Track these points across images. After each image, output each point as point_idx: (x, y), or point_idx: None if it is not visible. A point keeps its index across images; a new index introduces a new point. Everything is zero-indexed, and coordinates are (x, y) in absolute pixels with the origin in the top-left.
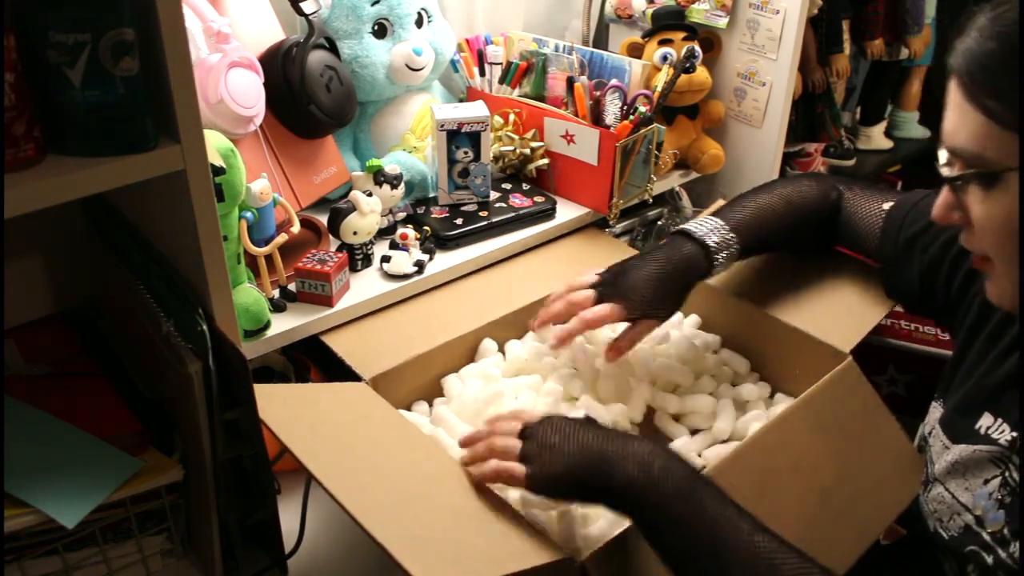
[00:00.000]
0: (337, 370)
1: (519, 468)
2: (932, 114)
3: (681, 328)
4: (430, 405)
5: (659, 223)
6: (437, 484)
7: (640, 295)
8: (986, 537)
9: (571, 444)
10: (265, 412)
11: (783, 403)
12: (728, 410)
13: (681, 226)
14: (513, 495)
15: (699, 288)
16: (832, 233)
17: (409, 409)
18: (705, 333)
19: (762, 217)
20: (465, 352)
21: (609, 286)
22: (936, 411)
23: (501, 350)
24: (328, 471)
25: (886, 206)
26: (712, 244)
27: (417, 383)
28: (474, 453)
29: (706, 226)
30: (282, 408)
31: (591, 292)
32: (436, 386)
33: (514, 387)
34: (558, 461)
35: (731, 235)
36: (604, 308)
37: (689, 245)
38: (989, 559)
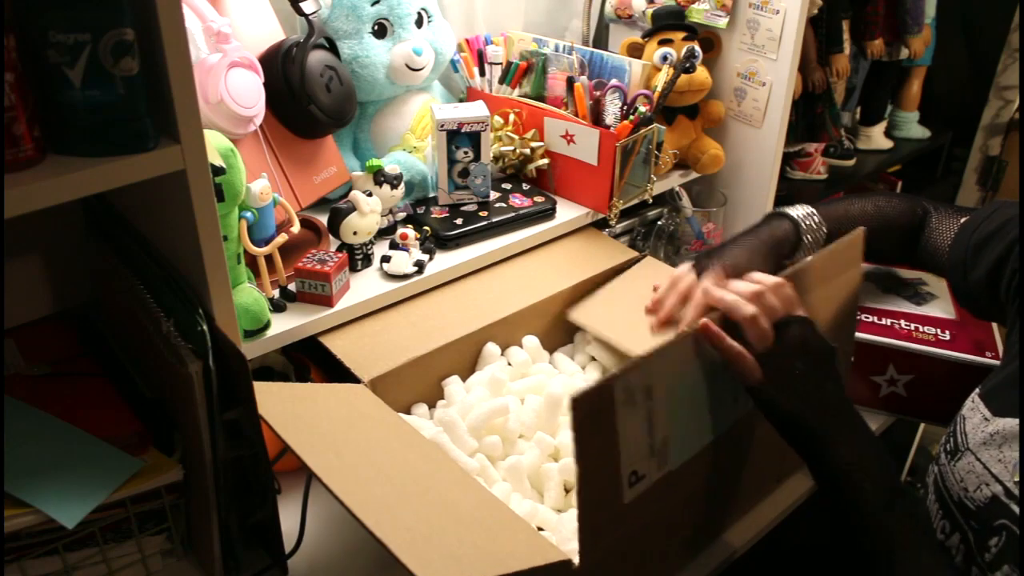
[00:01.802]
0: (337, 371)
1: (752, 362)
2: (932, 114)
3: None
4: (430, 408)
5: (659, 223)
6: (438, 484)
7: (735, 261)
8: (1015, 508)
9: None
10: (265, 409)
11: None
12: None
13: (782, 209)
14: (517, 502)
15: None
16: (913, 249)
17: (409, 412)
18: None
19: (851, 214)
20: (466, 354)
21: (705, 259)
22: (976, 393)
23: (503, 354)
24: (328, 468)
25: (963, 220)
26: (803, 224)
27: (417, 385)
28: (738, 290)
29: (801, 210)
30: (282, 406)
31: (690, 273)
32: (437, 389)
33: (520, 391)
34: (789, 394)
35: (820, 221)
36: (706, 279)
37: (783, 223)
38: (1018, 531)
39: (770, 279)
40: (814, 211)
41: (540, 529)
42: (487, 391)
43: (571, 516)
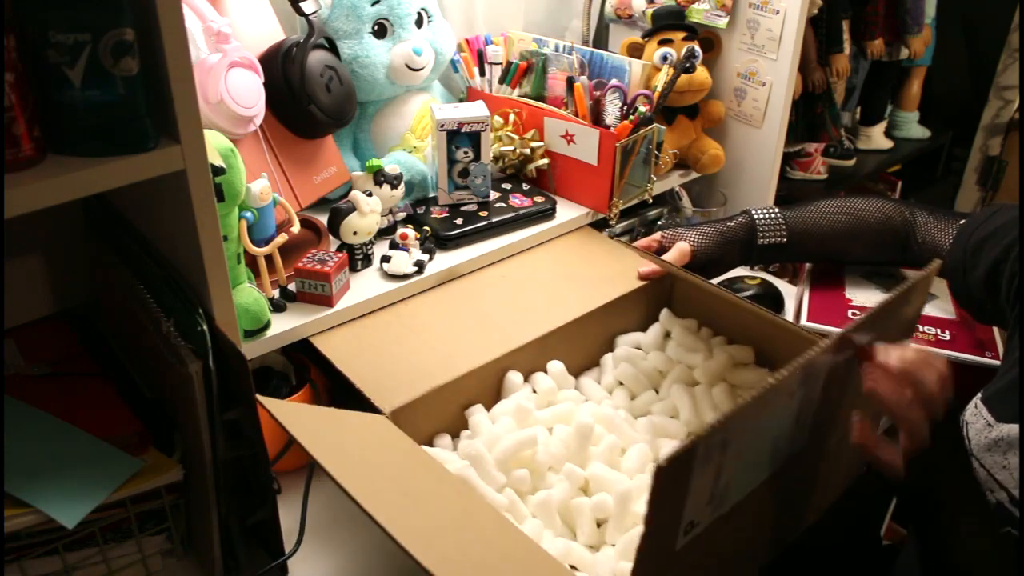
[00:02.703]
0: (337, 371)
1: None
2: (932, 114)
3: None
4: (453, 439)
5: (659, 223)
6: (472, 521)
7: (701, 245)
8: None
9: None
10: (300, 433)
11: None
12: None
13: (749, 208)
14: (548, 540)
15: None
16: (908, 254)
17: (431, 443)
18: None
19: (818, 211)
20: (488, 381)
21: (674, 232)
22: (978, 397)
23: (528, 380)
24: (370, 497)
25: (961, 222)
26: (759, 220)
27: (439, 415)
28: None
29: (763, 210)
30: (317, 430)
31: (653, 238)
32: (459, 418)
33: (548, 420)
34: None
35: (780, 219)
36: (675, 250)
37: (741, 216)
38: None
39: (923, 358)
40: (777, 209)
41: (574, 568)
42: (513, 422)
43: (606, 555)
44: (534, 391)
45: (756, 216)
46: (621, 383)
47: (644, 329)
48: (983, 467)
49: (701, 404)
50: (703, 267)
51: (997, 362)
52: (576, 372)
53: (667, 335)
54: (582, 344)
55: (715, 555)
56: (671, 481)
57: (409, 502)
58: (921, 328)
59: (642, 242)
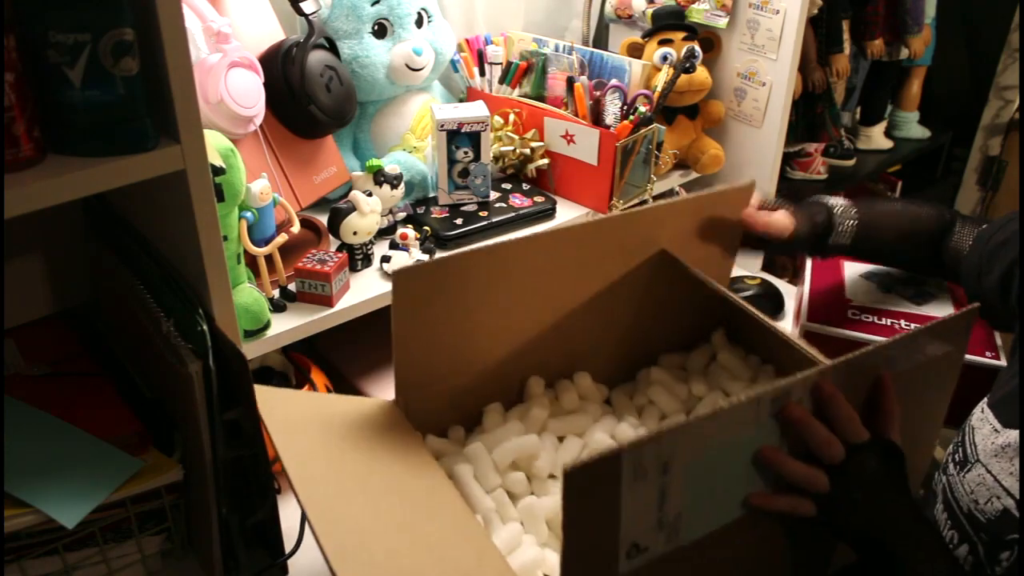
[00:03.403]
0: (337, 371)
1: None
2: (932, 114)
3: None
4: (468, 432)
5: None
6: (430, 523)
7: (798, 218)
8: None
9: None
10: (269, 415)
11: None
12: None
13: (819, 198)
14: (527, 545)
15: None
16: (938, 256)
17: (445, 433)
18: None
19: (882, 210)
20: (515, 380)
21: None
22: (984, 404)
23: (554, 386)
24: (308, 482)
25: (982, 227)
26: (837, 219)
27: (455, 408)
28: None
29: (840, 208)
30: (287, 414)
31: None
32: (478, 412)
33: (560, 430)
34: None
35: (853, 221)
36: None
37: (822, 211)
38: None
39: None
40: (854, 218)
41: None
42: (522, 425)
43: None
44: (556, 398)
45: (835, 215)
46: (652, 401)
47: (689, 345)
48: (990, 473)
49: None
50: (781, 246)
51: (997, 362)
52: (611, 384)
53: (713, 357)
54: (618, 353)
55: None
56: (588, 492)
57: (363, 499)
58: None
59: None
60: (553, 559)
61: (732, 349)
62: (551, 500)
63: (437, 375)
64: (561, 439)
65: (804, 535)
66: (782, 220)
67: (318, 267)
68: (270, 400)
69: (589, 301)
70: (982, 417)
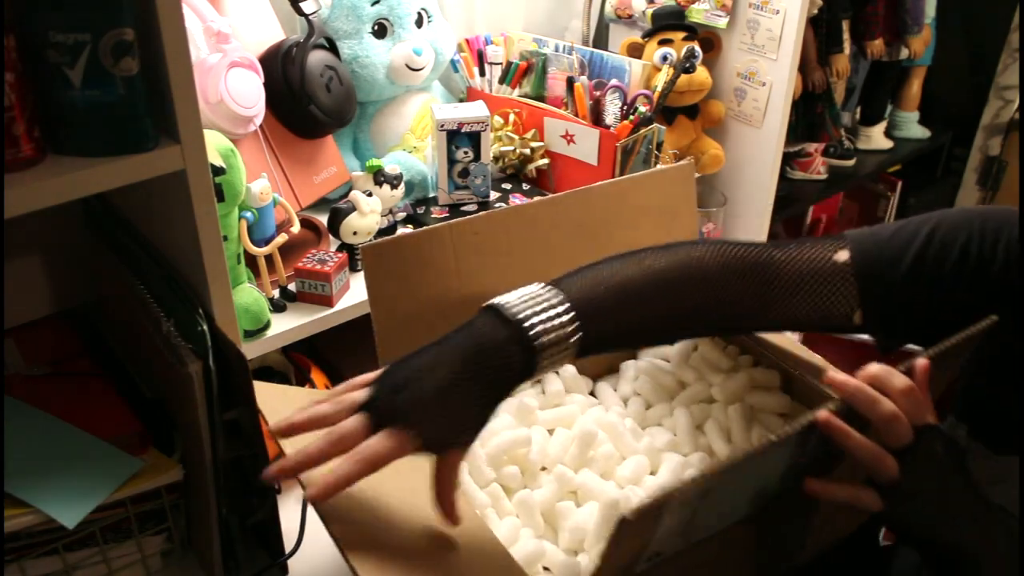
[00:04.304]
0: (337, 372)
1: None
2: (932, 114)
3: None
4: None
5: None
6: (431, 517)
7: (431, 418)
8: None
9: None
10: (271, 415)
11: None
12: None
13: (492, 300)
14: (525, 538)
15: None
16: (760, 307)
17: None
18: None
19: (624, 281)
20: None
21: (387, 406)
22: (960, 427)
23: (540, 380)
24: (328, 504)
25: (841, 256)
26: (533, 331)
27: None
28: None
29: (528, 301)
30: (287, 412)
31: (361, 419)
32: None
33: (550, 421)
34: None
35: (566, 312)
36: (383, 441)
37: (501, 330)
38: None
39: (899, 380)
40: (553, 292)
41: (547, 570)
42: (513, 419)
43: (585, 560)
44: (543, 392)
45: (508, 309)
46: (638, 393)
47: None
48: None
49: (707, 426)
50: None
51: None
52: (595, 376)
53: (695, 348)
54: None
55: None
56: (635, 529)
57: (368, 493)
58: None
59: None
60: (552, 551)
61: (712, 340)
62: (544, 492)
63: None
64: (551, 431)
65: (782, 531)
66: None
67: (318, 267)
68: (270, 397)
69: None
70: (966, 440)
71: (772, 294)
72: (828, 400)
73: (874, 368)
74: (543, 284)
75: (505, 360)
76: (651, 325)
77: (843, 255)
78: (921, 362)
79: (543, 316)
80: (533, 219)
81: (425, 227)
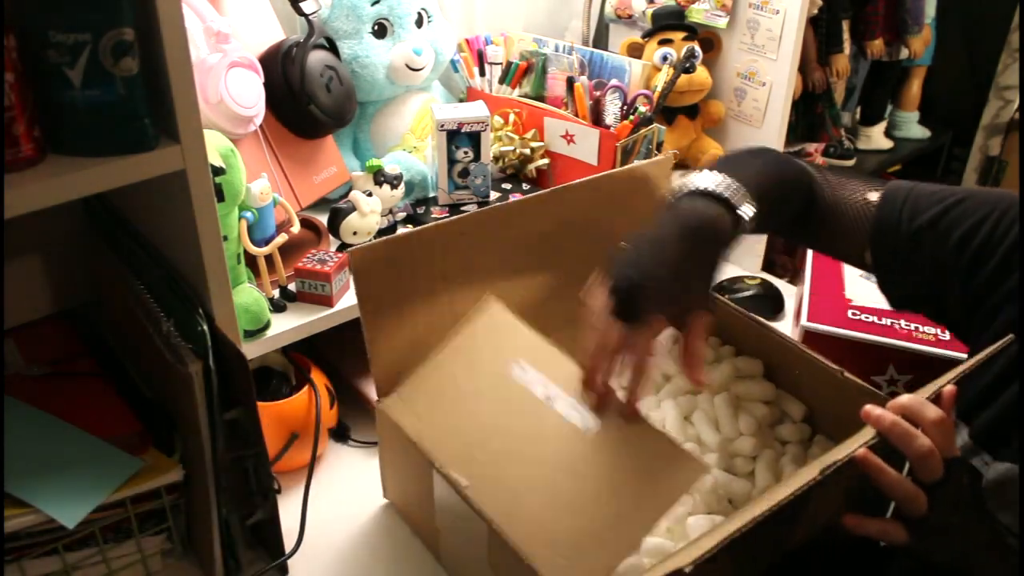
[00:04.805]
0: (337, 372)
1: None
2: (932, 114)
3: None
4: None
5: None
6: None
7: (673, 299)
8: None
9: None
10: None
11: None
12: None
13: (690, 185)
14: None
15: None
16: (807, 227)
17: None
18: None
19: (768, 174)
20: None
21: (631, 298)
22: (962, 428)
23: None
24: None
25: (872, 196)
26: (735, 201)
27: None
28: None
29: (720, 181)
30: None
31: (618, 327)
32: None
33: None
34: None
35: (746, 192)
36: (645, 335)
37: (710, 206)
38: None
39: (931, 411)
40: (732, 179)
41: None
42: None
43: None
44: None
45: (715, 189)
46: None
47: None
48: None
49: (695, 416)
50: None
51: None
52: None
53: (676, 341)
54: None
55: None
56: None
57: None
58: (921, 328)
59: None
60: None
61: None
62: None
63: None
64: None
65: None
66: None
67: (318, 267)
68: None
69: (552, 285)
70: (967, 444)
71: (810, 218)
72: (808, 390)
73: (906, 399)
74: (714, 170)
75: (722, 227)
76: (780, 214)
77: (874, 196)
78: (948, 389)
79: (736, 194)
80: (518, 217)
81: (413, 229)
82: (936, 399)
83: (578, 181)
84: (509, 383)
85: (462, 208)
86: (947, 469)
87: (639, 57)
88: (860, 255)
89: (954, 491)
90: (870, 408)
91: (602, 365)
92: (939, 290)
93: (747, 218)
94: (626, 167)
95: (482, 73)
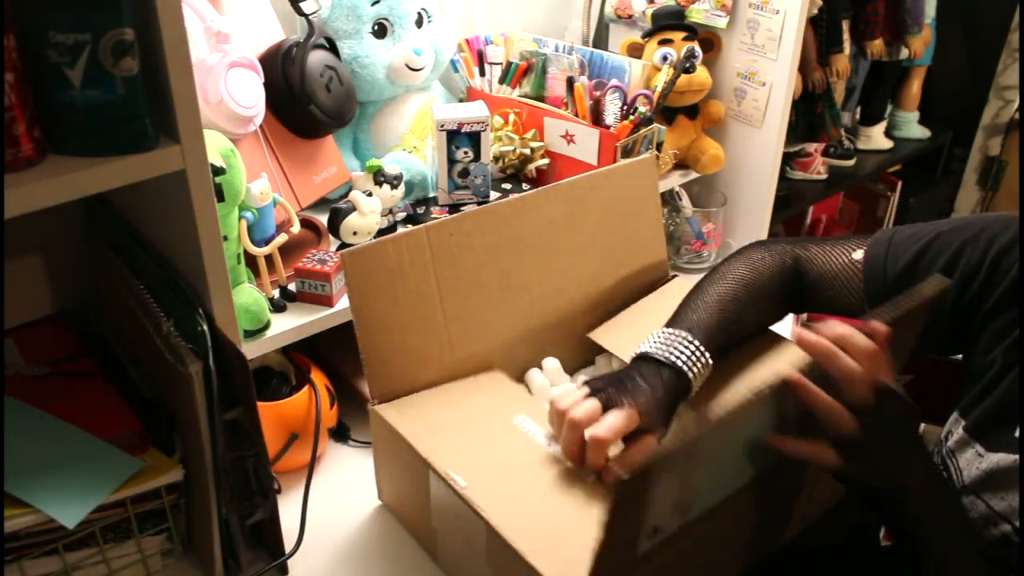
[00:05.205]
0: (337, 372)
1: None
2: (932, 114)
3: None
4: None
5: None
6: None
7: (645, 400)
8: None
9: None
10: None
11: None
12: None
13: (645, 350)
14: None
15: None
16: (799, 301)
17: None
18: None
19: (726, 313)
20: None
21: (610, 390)
22: (959, 422)
23: (524, 379)
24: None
25: (857, 255)
26: (685, 367)
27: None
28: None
29: (674, 347)
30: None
31: (593, 402)
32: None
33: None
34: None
35: (700, 350)
36: (620, 415)
37: (664, 371)
38: None
39: (862, 340)
40: (686, 335)
41: None
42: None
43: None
44: (530, 390)
45: (665, 357)
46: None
47: None
48: (981, 499)
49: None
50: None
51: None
52: (572, 370)
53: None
54: (578, 341)
55: (685, 562)
56: (634, 496)
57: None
58: None
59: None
60: None
61: None
62: None
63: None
64: None
65: (770, 508)
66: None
67: (318, 267)
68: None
69: (545, 286)
70: (962, 437)
71: (804, 293)
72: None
73: (840, 328)
74: (670, 329)
75: (670, 387)
76: (745, 327)
77: (858, 254)
78: (881, 327)
79: (677, 350)
80: (506, 218)
81: (403, 231)
82: (871, 335)
83: (564, 181)
84: (511, 426)
85: (462, 208)
86: (876, 395)
87: (639, 57)
88: (861, 311)
89: (883, 417)
90: (803, 333)
91: (574, 443)
92: (934, 318)
93: (691, 372)
94: (611, 166)
95: (482, 73)
